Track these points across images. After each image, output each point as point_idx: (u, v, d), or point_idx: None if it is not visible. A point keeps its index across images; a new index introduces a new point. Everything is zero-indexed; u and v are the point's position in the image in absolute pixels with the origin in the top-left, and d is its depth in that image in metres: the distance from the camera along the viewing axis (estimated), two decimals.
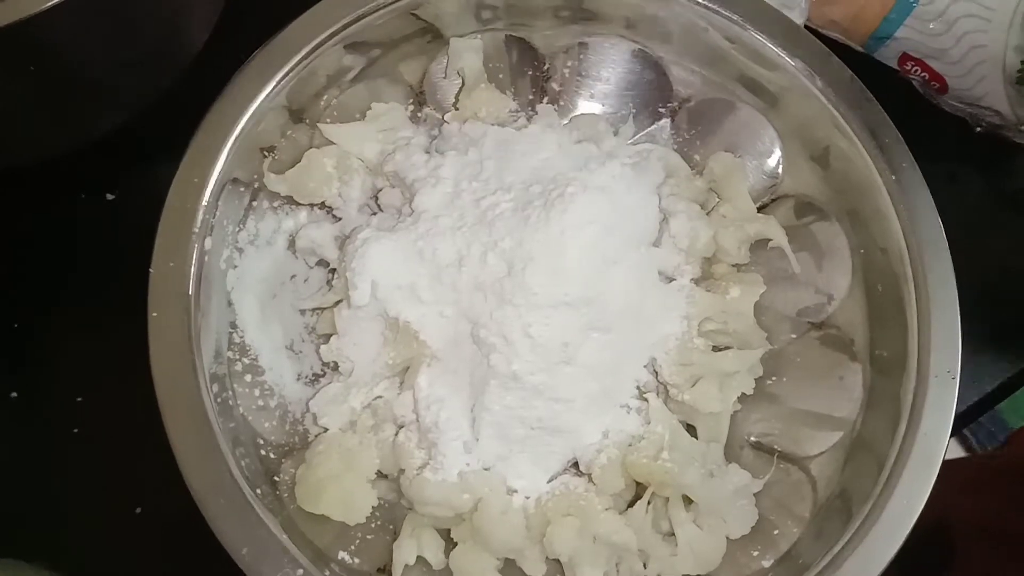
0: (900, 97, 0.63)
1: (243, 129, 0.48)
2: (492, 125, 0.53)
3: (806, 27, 0.62)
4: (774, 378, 0.53)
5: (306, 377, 0.51)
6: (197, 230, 0.46)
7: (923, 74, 0.62)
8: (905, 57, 0.62)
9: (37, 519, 0.52)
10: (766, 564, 0.47)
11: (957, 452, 0.60)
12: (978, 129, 0.63)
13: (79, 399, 0.54)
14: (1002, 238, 0.63)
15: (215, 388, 0.46)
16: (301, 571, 0.41)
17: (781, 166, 0.55)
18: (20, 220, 0.58)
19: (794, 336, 0.54)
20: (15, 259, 0.57)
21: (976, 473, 0.59)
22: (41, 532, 0.51)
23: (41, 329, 0.56)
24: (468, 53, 0.55)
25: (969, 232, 0.61)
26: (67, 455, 0.54)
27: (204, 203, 0.46)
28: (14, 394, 0.54)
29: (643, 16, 0.54)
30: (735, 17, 0.52)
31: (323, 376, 0.51)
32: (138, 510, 0.52)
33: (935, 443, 0.45)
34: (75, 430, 0.54)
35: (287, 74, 0.50)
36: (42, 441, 0.54)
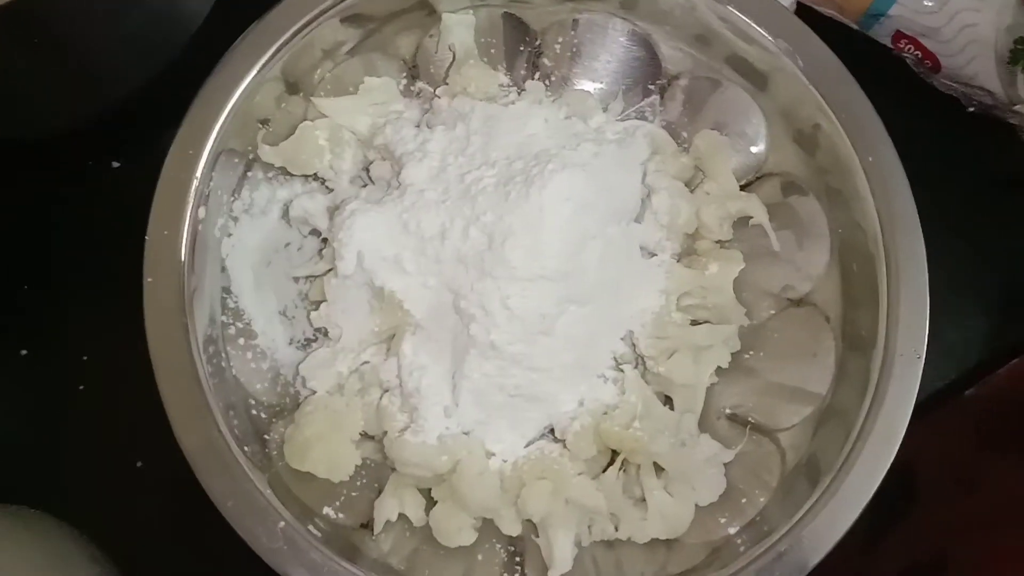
0: (894, 76, 0.64)
1: (238, 101, 0.50)
2: (481, 101, 0.54)
3: (800, 4, 0.63)
4: (751, 352, 0.54)
5: (298, 342, 0.53)
6: (191, 199, 0.48)
7: (916, 52, 0.62)
8: (899, 35, 0.62)
9: (43, 470, 0.55)
10: (732, 531, 0.49)
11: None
12: (970, 109, 0.64)
13: (85, 358, 0.57)
14: (988, 217, 0.64)
15: (210, 350, 0.48)
16: (283, 523, 0.44)
17: (766, 145, 0.56)
18: (31, 187, 0.60)
19: (773, 312, 0.55)
20: (26, 224, 0.60)
21: (944, 413, 0.59)
22: (47, 482, 0.54)
23: (50, 291, 0.59)
24: (460, 28, 0.56)
25: (956, 211, 0.63)
26: (73, 410, 0.57)
27: (199, 174, 0.48)
28: (24, 351, 0.57)
29: None
30: None
31: (315, 341, 0.54)
32: (139, 464, 0.56)
33: (897, 419, 0.47)
34: (81, 387, 0.57)
35: (282, 47, 0.51)
36: (50, 396, 0.57)
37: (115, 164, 0.61)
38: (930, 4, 0.60)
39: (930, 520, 0.55)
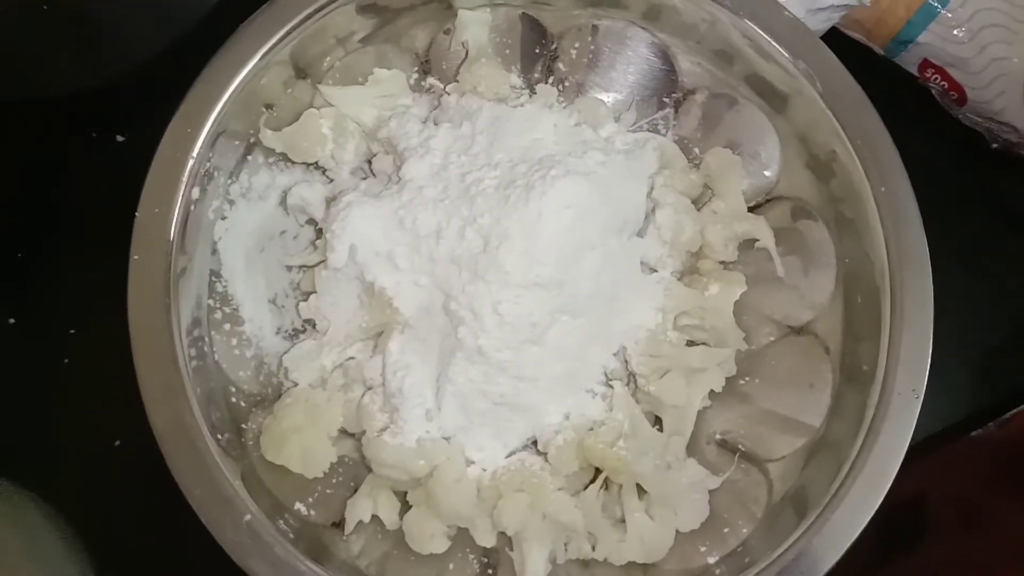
0: (917, 106, 0.63)
1: (242, 82, 0.49)
2: (489, 100, 0.53)
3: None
4: (747, 378, 0.53)
5: (286, 331, 0.53)
6: (186, 179, 0.47)
7: (942, 83, 0.61)
8: (926, 64, 0.61)
9: (21, 443, 0.54)
10: (711, 560, 0.48)
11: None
12: (994, 145, 0.62)
13: (72, 331, 0.57)
14: (1005, 257, 0.62)
15: (195, 333, 0.48)
16: (249, 516, 0.43)
17: (778, 168, 0.54)
18: (32, 155, 0.60)
19: (772, 338, 0.53)
20: (24, 190, 0.60)
21: (958, 449, 0.58)
22: (24, 456, 0.54)
23: (43, 260, 0.58)
24: (475, 25, 0.55)
25: (971, 248, 0.61)
26: (56, 384, 0.56)
27: (195, 153, 0.47)
28: (11, 320, 0.57)
29: (663, 6, 0.54)
30: (748, 16, 0.52)
31: (303, 332, 0.53)
32: (117, 442, 0.55)
33: (891, 458, 0.45)
34: (65, 360, 0.56)
35: (293, 30, 0.50)
36: (33, 368, 0.56)
37: (119, 138, 0.60)
38: (960, 34, 0.58)
39: (935, 556, 0.54)
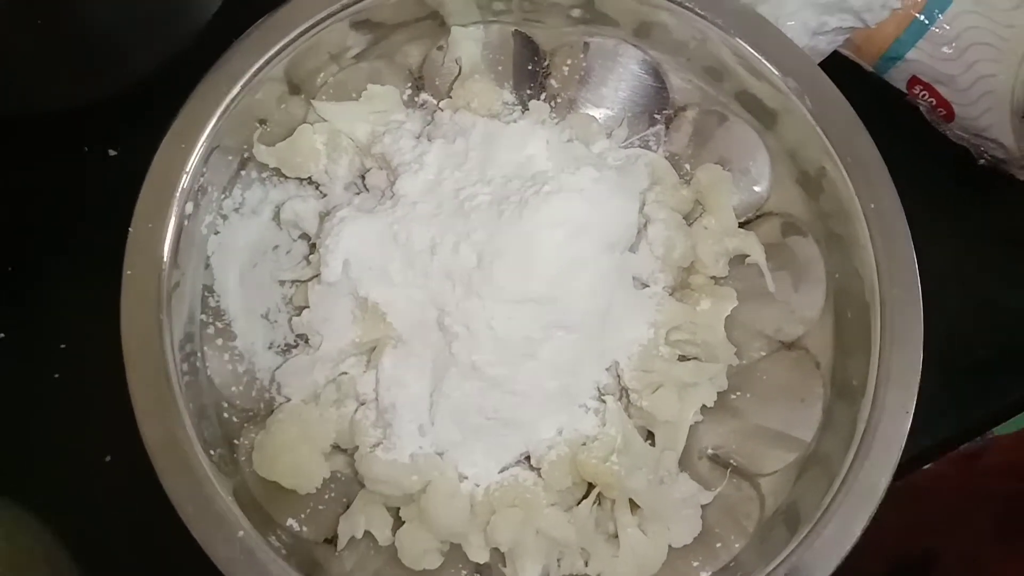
0: (906, 123, 0.63)
1: (236, 98, 0.49)
2: (483, 117, 0.53)
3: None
4: (738, 393, 0.53)
5: (278, 346, 0.52)
6: (179, 195, 0.47)
7: (931, 99, 0.61)
8: (914, 80, 0.61)
9: (10, 458, 0.54)
10: (704, 575, 0.48)
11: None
12: (981, 162, 0.63)
13: (63, 346, 0.56)
14: (993, 274, 0.63)
15: (187, 348, 0.47)
16: (242, 532, 0.43)
17: (768, 184, 0.55)
18: (24, 168, 0.59)
19: (763, 353, 0.54)
20: (16, 205, 0.59)
21: (964, 501, 0.59)
22: (13, 471, 0.53)
23: (34, 274, 0.58)
24: (467, 42, 0.55)
25: (959, 265, 0.62)
26: (46, 399, 0.56)
27: (189, 168, 0.48)
28: (2, 335, 0.56)
29: (654, 24, 0.54)
30: (738, 33, 0.52)
31: (295, 347, 0.53)
32: (108, 458, 0.54)
33: (881, 473, 0.45)
34: (56, 375, 0.56)
35: (286, 46, 0.50)
36: (24, 382, 0.56)
37: (112, 152, 0.60)
38: (948, 51, 0.59)
39: None
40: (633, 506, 0.49)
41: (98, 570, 0.52)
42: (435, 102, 0.56)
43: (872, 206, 0.49)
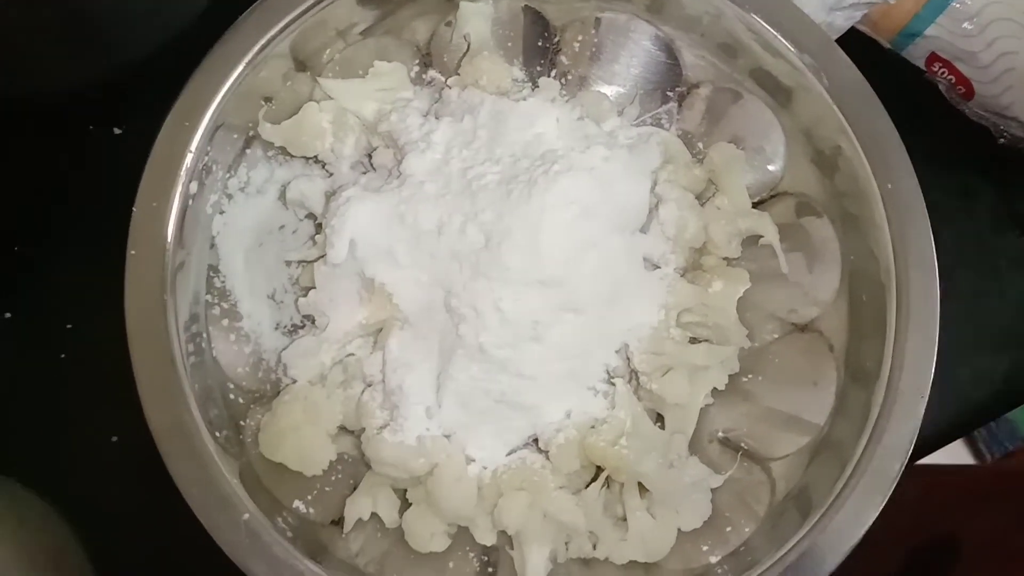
0: (923, 100, 0.62)
1: (240, 75, 0.48)
2: (491, 94, 0.52)
3: None
4: (751, 375, 0.52)
5: (285, 327, 0.52)
6: (183, 174, 0.46)
7: (950, 77, 0.60)
8: (933, 57, 0.60)
9: (18, 439, 0.54)
10: (714, 559, 0.48)
11: (966, 459, 0.60)
12: (1001, 140, 0.61)
13: (69, 326, 0.56)
14: (1011, 254, 0.61)
15: (192, 329, 0.47)
16: (247, 515, 0.43)
17: (783, 163, 0.54)
18: (29, 147, 0.59)
19: (776, 336, 0.53)
20: (21, 185, 0.59)
21: (988, 486, 0.58)
22: (20, 452, 0.53)
23: (40, 255, 0.58)
24: (476, 18, 0.54)
25: (980, 246, 0.61)
26: (53, 379, 0.55)
27: (193, 147, 0.47)
28: (8, 315, 0.56)
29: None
30: (753, 9, 0.51)
31: (302, 328, 0.52)
32: (114, 439, 0.54)
33: (895, 458, 0.45)
34: (62, 355, 0.56)
35: (292, 23, 0.50)
36: (30, 363, 0.56)
37: (116, 131, 0.60)
38: (969, 27, 0.57)
39: None
40: (642, 489, 0.49)
41: (105, 549, 0.52)
42: (443, 79, 0.55)
43: (889, 186, 0.48)
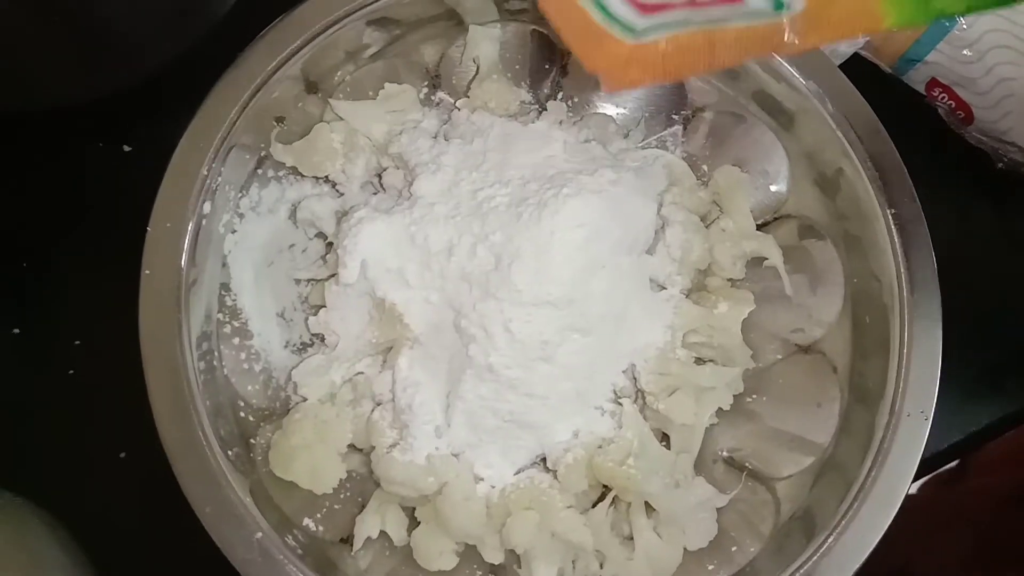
0: (924, 124, 0.63)
1: (254, 97, 0.49)
2: (500, 117, 0.53)
3: None
4: (755, 396, 0.53)
5: (294, 345, 0.52)
6: (197, 194, 0.47)
7: (949, 102, 0.61)
8: (933, 82, 0.61)
9: (26, 454, 0.54)
10: None
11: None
12: (1000, 165, 0.62)
13: (77, 342, 0.56)
14: (1007, 278, 0.62)
15: (203, 347, 0.47)
16: (260, 534, 0.43)
17: (786, 186, 0.55)
18: (38, 163, 0.59)
19: (780, 357, 0.54)
20: (30, 200, 0.59)
21: (937, 515, 0.58)
22: (28, 468, 0.53)
23: (49, 271, 0.58)
24: (485, 42, 0.55)
25: (974, 269, 0.61)
26: (61, 395, 0.56)
27: (206, 169, 0.47)
28: (16, 331, 0.56)
29: None
30: None
31: (311, 346, 0.52)
32: (122, 455, 0.54)
33: (900, 479, 0.45)
34: (70, 372, 0.56)
35: (304, 45, 0.50)
36: (38, 379, 0.56)
37: (126, 148, 0.60)
38: (968, 54, 0.58)
39: None
40: (649, 509, 0.49)
41: (113, 566, 0.52)
42: (452, 100, 0.56)
43: (891, 209, 0.48)
